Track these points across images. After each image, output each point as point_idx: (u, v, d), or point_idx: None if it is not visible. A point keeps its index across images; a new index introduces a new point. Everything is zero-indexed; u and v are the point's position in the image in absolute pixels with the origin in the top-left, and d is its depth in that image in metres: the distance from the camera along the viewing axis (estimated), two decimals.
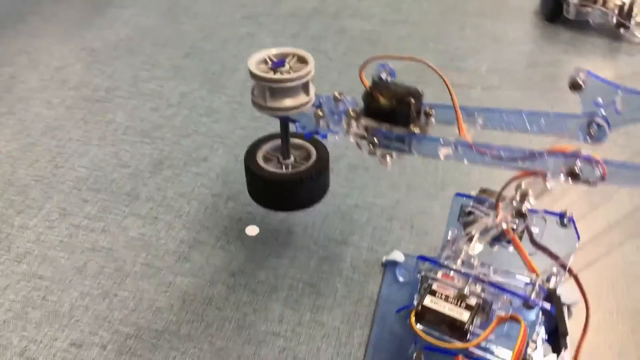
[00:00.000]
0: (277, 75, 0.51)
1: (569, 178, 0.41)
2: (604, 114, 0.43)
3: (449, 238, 0.53)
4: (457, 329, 0.44)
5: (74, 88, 0.84)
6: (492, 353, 0.49)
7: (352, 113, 0.50)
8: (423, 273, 0.47)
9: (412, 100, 0.48)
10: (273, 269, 0.61)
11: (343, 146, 0.76)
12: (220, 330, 0.55)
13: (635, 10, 1.01)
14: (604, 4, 1.03)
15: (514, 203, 0.45)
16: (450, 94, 0.49)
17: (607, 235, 0.65)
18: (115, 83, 0.85)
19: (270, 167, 0.58)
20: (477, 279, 0.45)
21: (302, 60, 0.53)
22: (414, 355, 0.52)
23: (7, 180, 0.70)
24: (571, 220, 0.50)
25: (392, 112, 0.49)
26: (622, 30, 1.02)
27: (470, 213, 0.52)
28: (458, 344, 0.44)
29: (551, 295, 0.43)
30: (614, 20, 1.02)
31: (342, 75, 0.89)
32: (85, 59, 0.89)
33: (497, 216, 0.47)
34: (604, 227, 0.65)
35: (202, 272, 0.60)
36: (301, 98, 0.52)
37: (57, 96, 0.82)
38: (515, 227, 0.48)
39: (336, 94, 0.52)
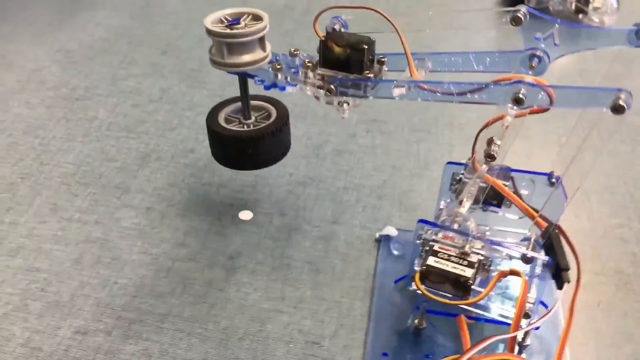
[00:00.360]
0: (234, 31, 0.52)
1: (515, 105, 0.43)
2: (543, 46, 0.46)
3: (441, 206, 0.55)
4: (461, 285, 0.46)
5: (52, 88, 0.83)
6: (491, 311, 0.51)
7: (308, 64, 0.52)
8: (424, 236, 0.49)
9: (365, 47, 0.50)
10: (270, 250, 0.62)
11: (327, 132, 0.78)
12: (223, 310, 0.56)
13: None
14: None
15: (484, 150, 0.48)
16: (401, 39, 0.50)
17: (585, 202, 0.68)
18: (94, 82, 0.85)
19: (233, 127, 0.59)
20: (476, 237, 0.47)
21: (257, 18, 0.54)
22: (416, 320, 0.54)
23: None
24: (558, 179, 0.52)
25: (347, 60, 0.50)
26: (580, 15, 1.07)
27: (460, 180, 0.54)
28: (464, 301, 0.46)
29: (549, 233, 0.45)
30: (573, 7, 1.07)
31: None
32: (61, 60, 0.89)
33: (475, 170, 0.50)
34: (582, 193, 0.69)
35: (200, 256, 0.61)
36: (258, 53, 0.53)
37: (36, 96, 0.81)
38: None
39: (292, 50, 0.54)
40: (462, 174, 0.54)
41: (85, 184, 0.69)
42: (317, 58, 0.53)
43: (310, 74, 0.52)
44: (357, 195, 0.69)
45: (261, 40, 0.53)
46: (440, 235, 0.48)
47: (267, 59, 0.54)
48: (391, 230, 0.63)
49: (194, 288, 0.58)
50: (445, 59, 0.51)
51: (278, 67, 0.53)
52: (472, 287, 0.47)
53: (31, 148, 0.73)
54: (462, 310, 0.50)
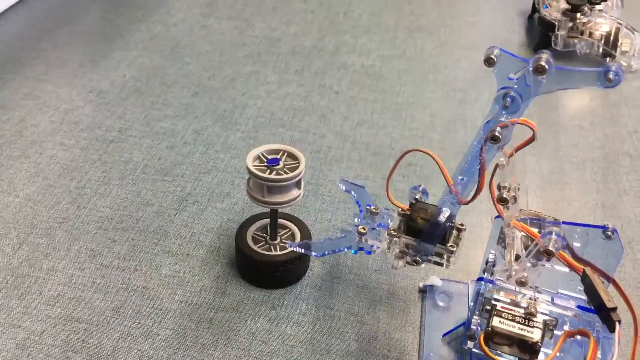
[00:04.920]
0: (275, 175, 0.56)
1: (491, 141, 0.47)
2: (516, 86, 0.47)
3: (490, 259, 0.54)
4: (528, 347, 0.44)
5: (86, 129, 0.83)
6: None
7: (393, 232, 0.54)
8: (482, 293, 0.48)
9: (450, 225, 0.52)
10: (313, 299, 0.61)
11: (363, 176, 0.77)
12: None
13: (620, 39, 1.05)
14: (590, 34, 1.08)
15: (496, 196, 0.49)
16: (440, 167, 0.53)
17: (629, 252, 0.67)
18: (127, 123, 0.85)
19: (260, 249, 0.61)
20: (541, 296, 0.46)
21: (293, 157, 0.58)
22: None
23: (30, 223, 0.68)
24: (614, 232, 0.51)
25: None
26: (608, 59, 1.06)
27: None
28: None
29: (584, 277, 0.44)
30: (600, 51, 1.06)
31: (350, 108, 0.91)
32: (94, 100, 0.89)
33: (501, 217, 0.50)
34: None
35: (242, 306, 0.60)
36: (294, 193, 0.58)
37: (70, 138, 0.81)
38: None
39: (372, 209, 0.56)
40: None
41: (123, 229, 0.68)
42: (394, 216, 0.56)
43: (395, 240, 0.54)
44: None
45: (298, 181, 0.57)
46: (502, 294, 0.47)
47: (301, 196, 0.58)
48: (435, 281, 0.62)
49: (238, 340, 0.56)
50: (466, 163, 0.51)
51: (363, 231, 0.55)
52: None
53: (67, 191, 0.73)
54: None
